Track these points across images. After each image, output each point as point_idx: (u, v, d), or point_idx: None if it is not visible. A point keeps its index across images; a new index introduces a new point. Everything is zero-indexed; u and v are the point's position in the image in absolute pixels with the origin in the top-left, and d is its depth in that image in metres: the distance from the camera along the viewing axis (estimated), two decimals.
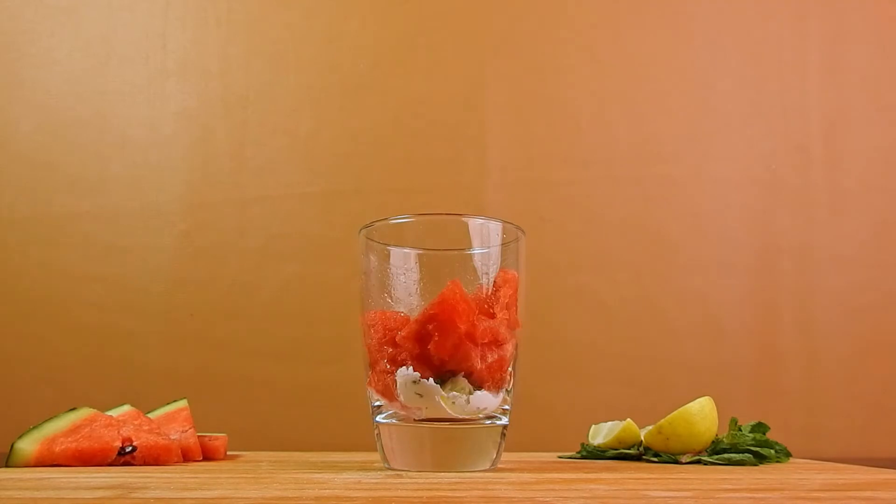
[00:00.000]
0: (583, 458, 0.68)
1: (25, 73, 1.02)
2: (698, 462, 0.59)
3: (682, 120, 1.03)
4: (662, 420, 0.62)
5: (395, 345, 0.49)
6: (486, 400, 0.49)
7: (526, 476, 0.46)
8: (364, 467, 0.52)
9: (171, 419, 0.63)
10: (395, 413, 0.50)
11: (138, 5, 1.03)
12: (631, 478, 0.45)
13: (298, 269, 0.98)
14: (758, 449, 0.61)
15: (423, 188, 1.00)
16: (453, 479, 0.43)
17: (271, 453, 0.72)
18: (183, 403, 0.66)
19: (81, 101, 1.02)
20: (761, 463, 0.60)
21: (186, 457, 0.59)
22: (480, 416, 0.49)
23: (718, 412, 0.63)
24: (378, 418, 0.51)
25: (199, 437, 0.62)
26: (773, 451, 0.61)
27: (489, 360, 0.48)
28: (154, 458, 0.54)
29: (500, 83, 1.02)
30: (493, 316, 0.49)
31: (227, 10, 1.03)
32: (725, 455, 0.59)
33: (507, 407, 0.51)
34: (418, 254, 0.51)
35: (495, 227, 0.53)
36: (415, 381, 0.48)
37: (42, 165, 1.00)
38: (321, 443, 0.88)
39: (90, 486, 0.38)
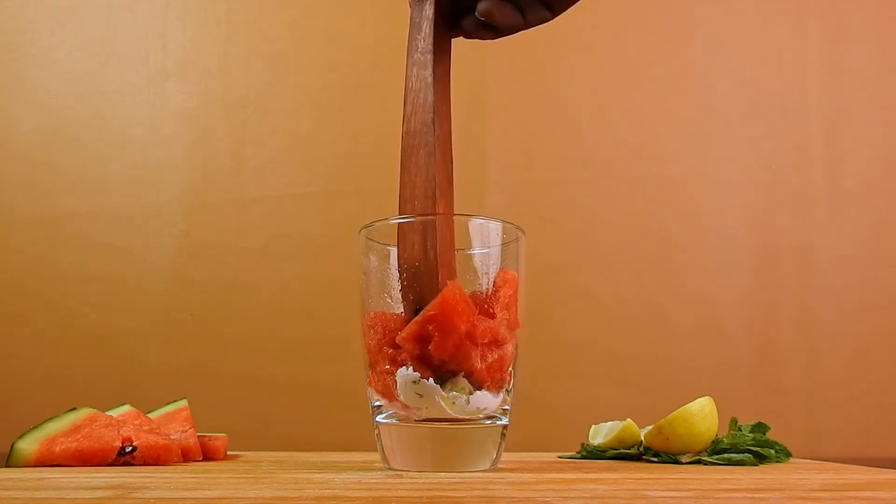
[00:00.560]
0: (583, 458, 0.68)
1: (25, 73, 1.02)
2: (698, 462, 0.59)
3: (682, 120, 1.03)
4: (662, 420, 0.62)
5: (394, 345, 0.49)
6: (486, 400, 0.49)
7: (526, 476, 0.46)
8: (364, 467, 0.52)
9: (171, 419, 0.63)
10: (395, 413, 0.50)
11: (138, 5, 1.03)
12: (631, 478, 0.45)
13: (298, 269, 0.98)
14: (758, 449, 0.61)
15: None
16: (453, 479, 0.43)
17: (271, 453, 0.72)
18: (183, 403, 0.66)
19: (81, 101, 1.02)
20: (761, 463, 0.60)
21: (186, 457, 0.59)
22: (480, 416, 0.49)
23: (718, 412, 0.63)
24: (378, 418, 0.51)
25: (199, 437, 0.62)
26: (773, 451, 0.61)
27: (489, 360, 0.48)
28: (154, 458, 0.54)
29: (500, 83, 1.02)
30: (493, 316, 0.49)
31: (227, 10, 1.03)
32: (725, 455, 0.59)
33: (507, 407, 0.51)
34: None
35: (495, 227, 0.53)
36: (415, 382, 0.48)
37: (42, 165, 1.00)
38: (321, 443, 0.88)
39: (90, 486, 0.38)
